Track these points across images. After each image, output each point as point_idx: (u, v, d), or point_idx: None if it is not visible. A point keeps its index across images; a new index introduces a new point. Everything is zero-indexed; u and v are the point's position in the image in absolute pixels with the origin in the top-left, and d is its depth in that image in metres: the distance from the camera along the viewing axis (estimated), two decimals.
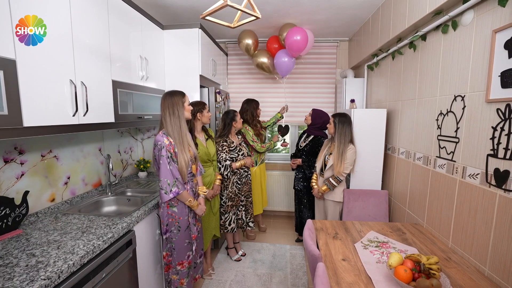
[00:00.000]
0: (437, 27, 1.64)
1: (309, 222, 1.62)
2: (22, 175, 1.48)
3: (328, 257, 1.41)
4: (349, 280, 1.22)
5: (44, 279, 0.99)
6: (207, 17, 1.27)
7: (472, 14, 1.37)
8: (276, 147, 5.67)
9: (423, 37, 1.79)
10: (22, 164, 1.47)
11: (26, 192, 1.43)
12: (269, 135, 4.97)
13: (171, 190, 1.59)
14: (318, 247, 1.53)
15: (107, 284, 1.32)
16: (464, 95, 1.42)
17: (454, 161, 1.49)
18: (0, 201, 1.31)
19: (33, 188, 1.53)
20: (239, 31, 3.09)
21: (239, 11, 1.25)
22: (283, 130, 3.14)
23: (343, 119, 2.12)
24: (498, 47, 1.21)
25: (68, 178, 1.77)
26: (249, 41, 3.06)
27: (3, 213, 1.31)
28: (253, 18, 1.29)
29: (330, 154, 2.13)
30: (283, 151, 3.96)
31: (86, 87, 1.45)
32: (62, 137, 1.73)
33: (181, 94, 1.70)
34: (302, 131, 2.79)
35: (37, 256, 1.14)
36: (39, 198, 1.57)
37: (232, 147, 2.32)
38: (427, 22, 1.74)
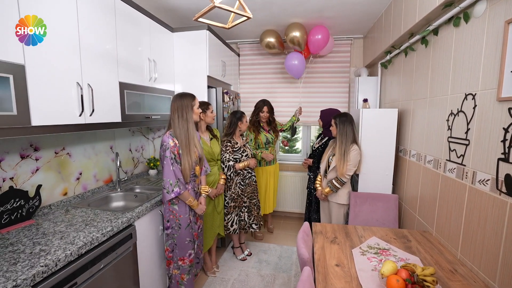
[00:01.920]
0: (449, 20, 1.52)
1: (305, 224, 1.58)
2: (37, 170, 1.61)
3: (321, 261, 1.37)
4: (338, 287, 1.17)
5: (42, 266, 1.07)
6: (200, 19, 1.30)
7: (485, 4, 1.25)
8: (294, 147, 5.60)
9: (435, 32, 1.66)
10: (37, 160, 1.61)
11: (39, 186, 1.56)
12: (288, 135, 4.95)
13: (172, 190, 1.65)
14: (314, 251, 1.50)
15: (106, 275, 1.40)
16: (475, 94, 1.30)
17: (464, 165, 1.37)
18: (15, 194, 1.44)
19: (47, 183, 1.67)
20: (258, 32, 3.15)
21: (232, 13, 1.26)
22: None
23: (343, 119, 2.04)
24: (511, 39, 1.09)
25: (80, 174, 1.90)
26: (271, 39, 3.05)
27: (18, 204, 1.44)
28: (245, 18, 1.29)
29: (334, 155, 2.06)
30: (300, 152, 3.91)
31: (92, 89, 1.55)
32: (74, 135, 1.85)
33: (191, 97, 1.74)
34: (320, 132, 2.72)
35: (41, 245, 1.24)
36: (52, 191, 1.70)
37: (236, 148, 2.33)
38: (438, 15, 1.62)
